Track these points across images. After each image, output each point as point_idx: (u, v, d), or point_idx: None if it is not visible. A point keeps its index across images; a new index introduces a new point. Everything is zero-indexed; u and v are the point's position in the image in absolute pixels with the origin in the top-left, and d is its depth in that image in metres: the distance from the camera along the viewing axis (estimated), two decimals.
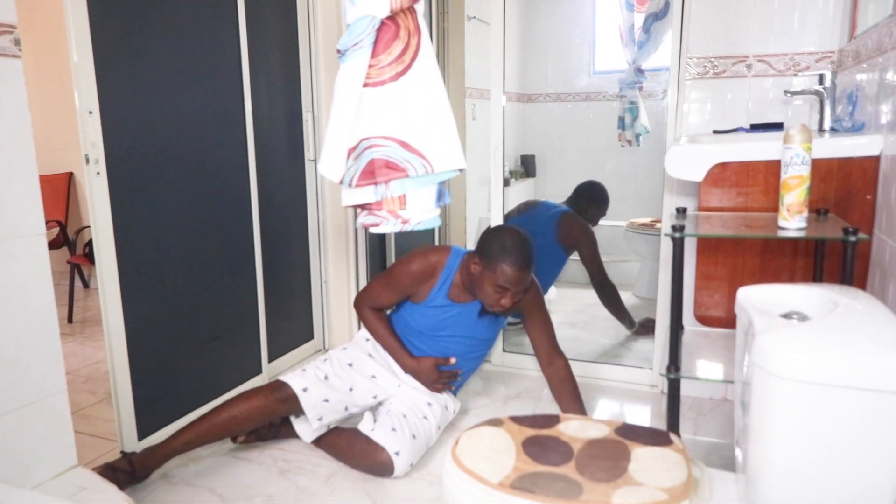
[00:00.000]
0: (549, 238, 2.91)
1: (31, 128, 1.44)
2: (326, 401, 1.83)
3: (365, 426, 1.82)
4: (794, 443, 0.98)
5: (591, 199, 2.97)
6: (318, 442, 1.91)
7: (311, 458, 1.90)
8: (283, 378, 1.84)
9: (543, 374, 1.99)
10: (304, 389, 1.80)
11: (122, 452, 1.76)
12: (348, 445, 1.82)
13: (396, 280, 1.96)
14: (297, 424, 1.90)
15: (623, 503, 1.05)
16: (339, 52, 1.19)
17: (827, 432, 0.96)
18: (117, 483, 1.63)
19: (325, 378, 1.86)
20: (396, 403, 1.91)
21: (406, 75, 1.20)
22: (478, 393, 2.37)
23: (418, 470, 1.83)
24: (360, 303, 2.04)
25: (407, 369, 1.97)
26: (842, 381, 0.93)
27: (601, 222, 3.66)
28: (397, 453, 1.75)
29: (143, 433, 1.88)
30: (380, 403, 1.96)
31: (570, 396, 1.90)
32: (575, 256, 2.95)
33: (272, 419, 1.85)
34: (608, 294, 2.85)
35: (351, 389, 1.89)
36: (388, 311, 2.11)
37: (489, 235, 1.79)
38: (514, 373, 2.55)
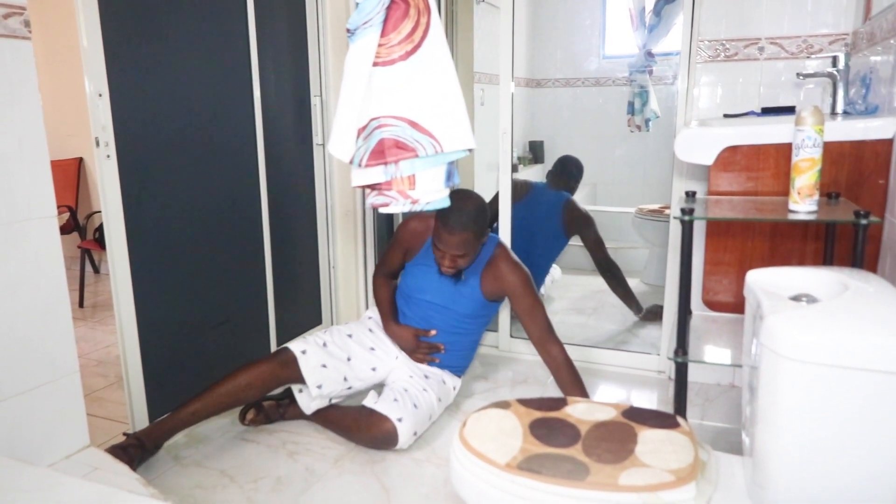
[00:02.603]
0: (553, 224, 2.94)
1: (41, 110, 1.45)
2: (324, 366, 1.89)
3: (368, 401, 1.87)
4: (801, 424, 0.98)
5: (574, 172, 3.06)
6: (323, 420, 1.96)
7: (319, 440, 1.92)
8: (285, 344, 1.93)
9: (543, 361, 2.00)
10: (303, 352, 1.88)
11: (124, 434, 1.78)
12: (353, 420, 1.87)
13: (398, 237, 2.14)
14: (300, 398, 1.94)
15: (630, 484, 1.05)
16: (348, 31, 1.19)
17: (835, 414, 0.95)
18: (130, 460, 1.66)
19: (324, 345, 1.95)
20: (397, 380, 1.96)
21: (416, 54, 1.20)
22: (485, 378, 2.38)
23: (425, 451, 1.85)
24: (375, 272, 2.21)
25: (388, 333, 2.07)
26: (851, 362, 0.93)
27: (609, 208, 3.65)
28: (400, 420, 1.79)
29: (153, 416, 1.90)
30: (382, 384, 2.01)
31: (570, 382, 1.91)
32: (576, 242, 2.96)
33: (275, 385, 1.89)
34: (614, 274, 2.86)
35: (349, 359, 1.96)
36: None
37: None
38: (520, 358, 2.55)
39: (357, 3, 1.16)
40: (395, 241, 2.15)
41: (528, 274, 1.99)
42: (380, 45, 1.18)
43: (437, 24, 1.20)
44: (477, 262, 2.00)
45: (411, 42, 1.18)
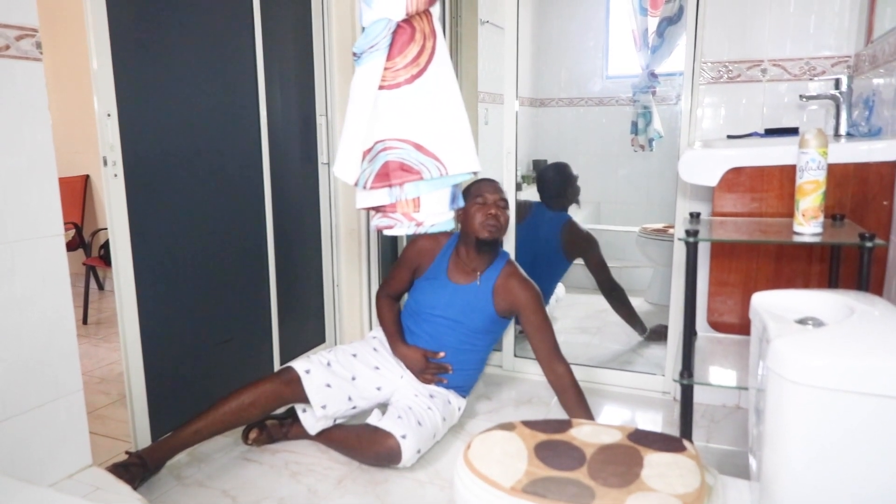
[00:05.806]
0: (552, 246, 2.92)
1: (51, 130, 1.46)
2: (328, 385, 1.88)
3: (372, 419, 1.87)
4: (809, 449, 0.97)
5: (559, 183, 2.96)
6: (327, 439, 1.94)
7: (322, 460, 1.91)
8: (289, 363, 1.92)
9: (547, 381, 1.99)
10: (307, 371, 1.87)
11: (127, 453, 1.78)
12: (357, 438, 1.86)
13: (405, 257, 2.15)
14: (304, 419, 1.93)
15: None
16: (354, 54, 1.20)
17: (842, 439, 0.95)
18: (131, 479, 1.65)
19: (328, 364, 1.94)
20: (401, 398, 1.95)
21: (421, 78, 1.21)
22: (489, 398, 2.37)
23: (428, 472, 1.83)
24: (378, 293, 2.20)
25: (397, 354, 2.05)
26: (858, 387, 0.92)
27: (613, 227, 3.64)
28: (404, 436, 1.78)
29: (156, 434, 1.89)
30: (386, 403, 2.00)
31: (575, 402, 1.91)
32: (580, 261, 2.95)
33: (279, 405, 1.88)
34: (618, 296, 2.85)
35: (354, 378, 1.96)
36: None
37: None
38: (524, 378, 2.54)
39: (363, 28, 1.17)
40: (402, 261, 2.15)
41: (538, 291, 2.00)
42: (385, 69, 1.19)
43: (442, 47, 1.21)
44: (489, 275, 2.01)
45: (417, 66, 1.20)
